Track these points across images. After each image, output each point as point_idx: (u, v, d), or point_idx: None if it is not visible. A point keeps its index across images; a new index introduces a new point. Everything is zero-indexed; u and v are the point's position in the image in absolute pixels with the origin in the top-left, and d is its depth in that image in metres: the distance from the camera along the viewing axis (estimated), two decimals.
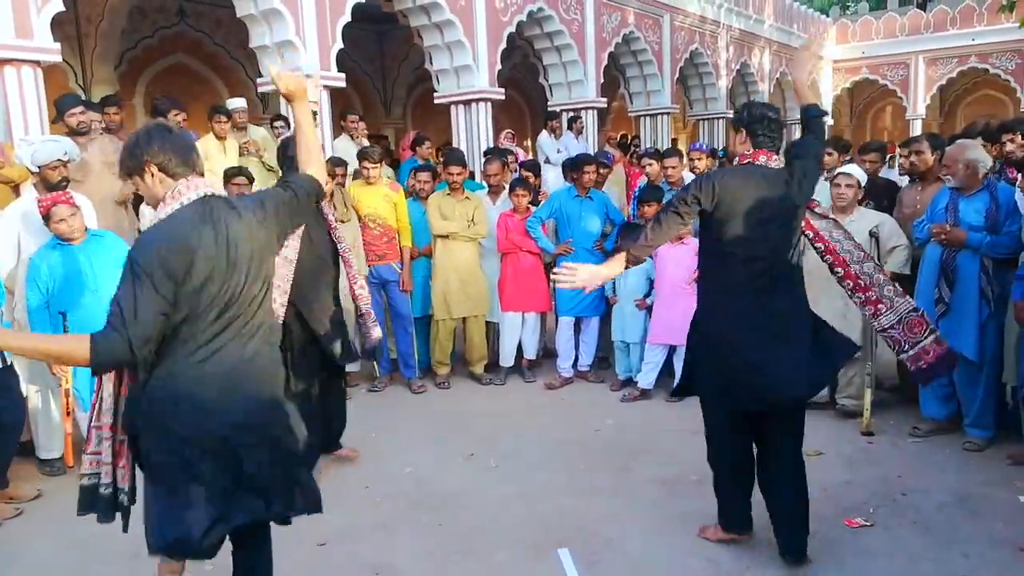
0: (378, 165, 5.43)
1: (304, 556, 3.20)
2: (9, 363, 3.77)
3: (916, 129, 18.12)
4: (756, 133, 2.96)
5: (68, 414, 3.92)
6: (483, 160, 6.83)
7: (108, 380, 2.26)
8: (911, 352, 3.50)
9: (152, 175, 2.14)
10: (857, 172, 4.55)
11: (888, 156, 8.23)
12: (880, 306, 3.47)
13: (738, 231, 2.87)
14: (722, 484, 3.17)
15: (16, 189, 4.78)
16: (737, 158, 3.05)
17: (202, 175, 2.23)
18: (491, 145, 9.14)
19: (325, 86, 7.33)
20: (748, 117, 2.99)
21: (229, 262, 2.11)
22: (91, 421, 2.31)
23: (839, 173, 4.55)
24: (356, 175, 5.87)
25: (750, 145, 2.98)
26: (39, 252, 3.96)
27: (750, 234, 2.87)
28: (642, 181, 6.21)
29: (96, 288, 3.97)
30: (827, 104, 19.94)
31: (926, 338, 3.49)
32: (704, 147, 6.69)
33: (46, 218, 3.89)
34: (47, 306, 3.91)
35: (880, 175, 5.77)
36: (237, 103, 7.17)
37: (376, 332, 4.27)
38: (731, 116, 15.34)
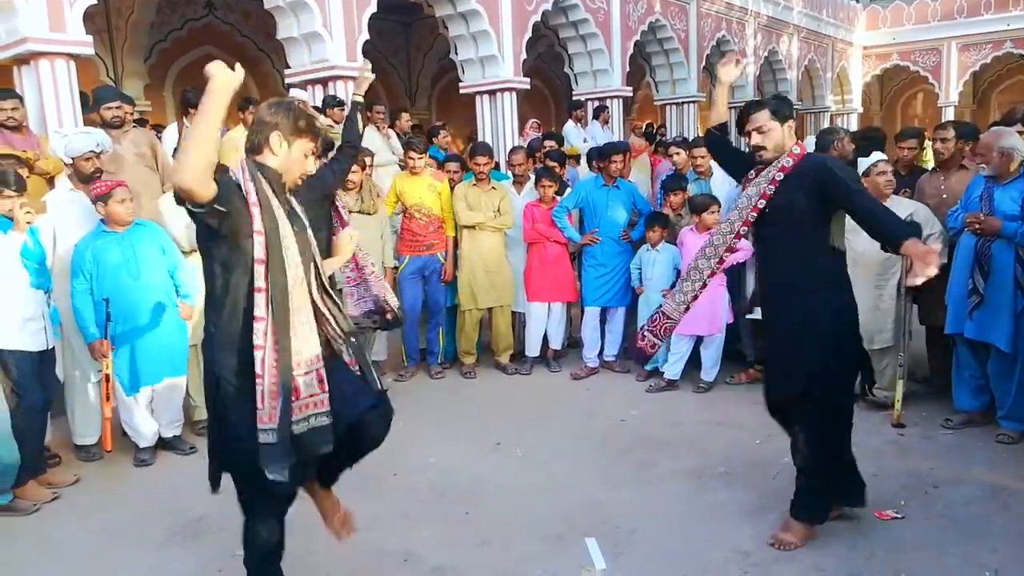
0: (423, 156, 5.49)
1: (331, 543, 3.24)
2: (51, 346, 3.86)
3: (948, 116, 17.77)
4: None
5: (108, 399, 3.98)
6: (508, 152, 6.79)
7: None
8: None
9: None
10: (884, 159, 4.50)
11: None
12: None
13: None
14: None
15: (51, 181, 4.87)
16: (797, 147, 3.03)
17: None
18: (516, 135, 9.14)
19: (352, 77, 7.35)
20: (791, 109, 3.09)
21: None
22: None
23: (877, 161, 4.47)
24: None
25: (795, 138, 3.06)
26: (84, 239, 4.04)
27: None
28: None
29: (138, 275, 4.05)
30: (856, 91, 19.64)
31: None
32: None
33: (104, 199, 3.96)
34: (91, 292, 3.98)
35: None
36: (299, 95, 7.12)
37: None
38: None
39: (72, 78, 5.56)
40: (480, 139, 8.95)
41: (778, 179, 2.96)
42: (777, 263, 3.08)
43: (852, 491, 3.24)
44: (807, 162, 2.99)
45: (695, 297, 3.17)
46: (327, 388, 2.34)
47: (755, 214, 2.99)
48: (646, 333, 3.24)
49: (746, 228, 3.05)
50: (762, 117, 2.99)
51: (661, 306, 3.25)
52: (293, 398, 2.26)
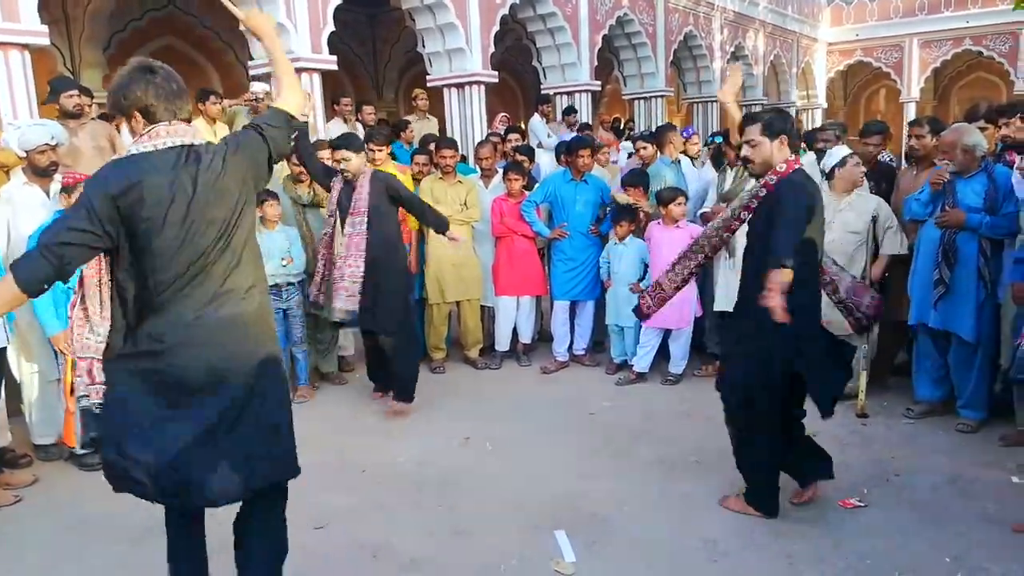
0: (384, 148, 5.42)
1: (303, 538, 3.20)
2: (3, 345, 3.74)
3: (910, 112, 18.11)
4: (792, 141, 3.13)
5: (72, 393, 3.85)
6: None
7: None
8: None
9: (136, 120, 2.18)
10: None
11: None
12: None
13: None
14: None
15: (7, 173, 4.74)
16: (783, 164, 3.07)
17: (188, 121, 2.25)
18: (485, 128, 9.09)
19: (317, 69, 7.27)
20: (786, 124, 3.11)
21: (186, 214, 2.11)
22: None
23: (851, 154, 4.54)
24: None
25: (788, 152, 3.10)
26: (40, 228, 3.89)
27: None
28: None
29: None
30: (820, 87, 19.92)
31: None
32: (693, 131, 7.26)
33: (68, 191, 3.82)
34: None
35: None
36: (260, 87, 6.97)
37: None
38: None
39: (27, 69, 5.39)
40: (448, 133, 8.90)
41: (761, 195, 3.08)
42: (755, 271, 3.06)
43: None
44: (783, 182, 3.04)
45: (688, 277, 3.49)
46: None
47: (738, 224, 3.22)
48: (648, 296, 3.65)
49: (728, 234, 3.32)
50: (754, 131, 3.08)
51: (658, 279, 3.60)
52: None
